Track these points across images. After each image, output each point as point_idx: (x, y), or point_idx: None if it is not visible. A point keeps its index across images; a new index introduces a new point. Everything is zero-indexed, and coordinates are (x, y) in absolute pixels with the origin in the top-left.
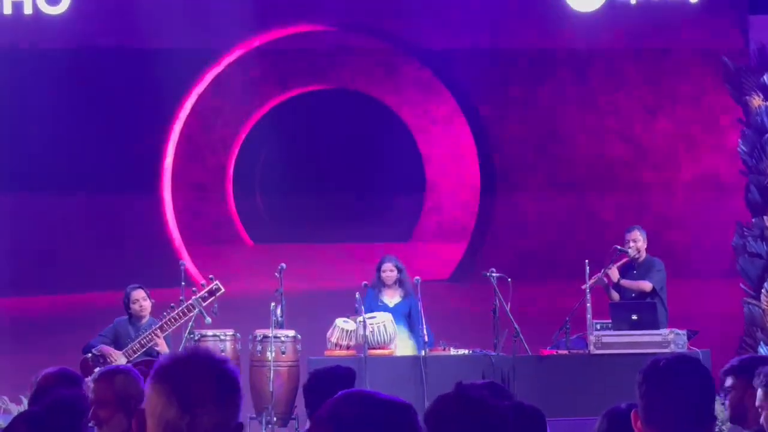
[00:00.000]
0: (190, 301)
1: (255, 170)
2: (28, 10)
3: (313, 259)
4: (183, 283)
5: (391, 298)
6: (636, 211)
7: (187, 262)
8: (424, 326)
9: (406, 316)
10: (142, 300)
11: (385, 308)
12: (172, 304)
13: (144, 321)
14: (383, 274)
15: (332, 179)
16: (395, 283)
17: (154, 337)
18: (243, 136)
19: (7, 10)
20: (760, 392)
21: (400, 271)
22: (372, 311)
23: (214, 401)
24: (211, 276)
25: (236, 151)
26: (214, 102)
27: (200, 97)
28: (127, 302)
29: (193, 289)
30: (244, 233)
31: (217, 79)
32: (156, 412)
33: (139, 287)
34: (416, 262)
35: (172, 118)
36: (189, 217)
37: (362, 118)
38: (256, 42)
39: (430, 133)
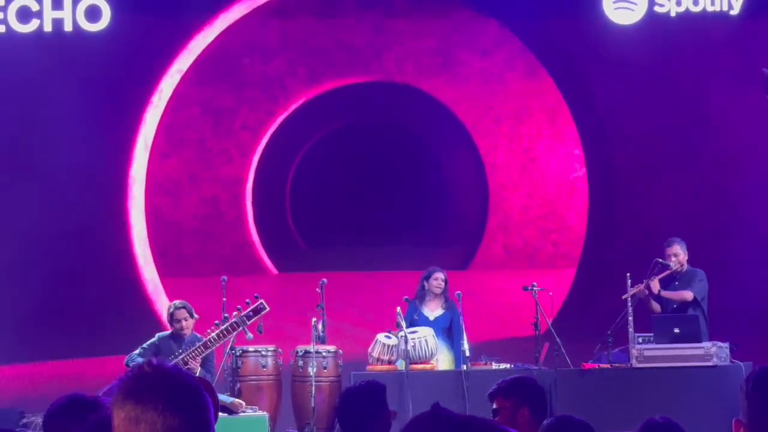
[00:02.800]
0: (234, 320)
1: (282, 182)
2: (68, 27)
3: (352, 291)
4: (224, 299)
5: (433, 310)
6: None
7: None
8: (465, 341)
9: (446, 329)
10: (183, 321)
11: (425, 321)
12: (216, 322)
13: (186, 338)
14: (434, 282)
15: (375, 193)
16: (441, 294)
17: (196, 356)
18: (264, 140)
19: (48, 27)
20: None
21: (446, 282)
22: (412, 324)
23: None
24: (256, 294)
25: (256, 160)
26: (226, 98)
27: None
28: (170, 320)
29: (238, 306)
30: (266, 260)
31: (228, 66)
32: None
33: (182, 307)
34: (480, 297)
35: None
36: (199, 240)
37: (411, 117)
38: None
39: (495, 136)
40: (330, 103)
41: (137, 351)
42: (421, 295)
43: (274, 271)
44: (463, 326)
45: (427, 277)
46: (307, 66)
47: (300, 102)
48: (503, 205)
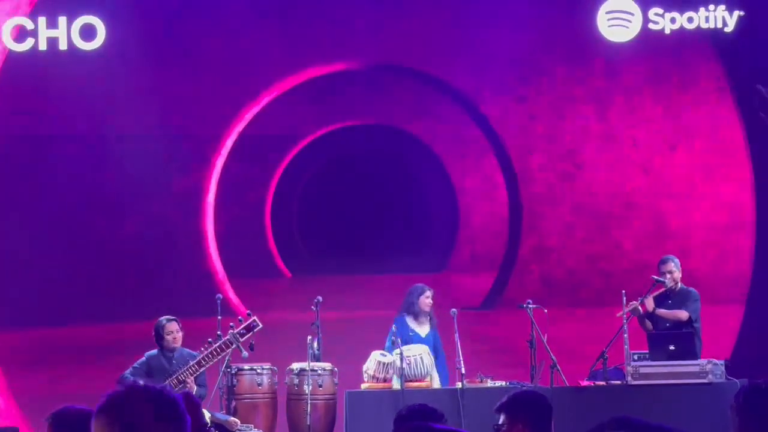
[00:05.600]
0: (227, 337)
1: (292, 204)
2: (63, 46)
3: (350, 290)
4: (219, 317)
5: (422, 328)
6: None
7: (228, 293)
8: (461, 358)
9: (433, 347)
10: (176, 332)
11: (418, 338)
12: (209, 339)
13: (175, 352)
14: (426, 301)
15: (374, 208)
16: (429, 312)
17: (191, 374)
18: (280, 171)
19: (43, 46)
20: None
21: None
22: (406, 341)
23: (153, 422)
24: (248, 312)
25: (274, 186)
26: (252, 140)
27: (240, 135)
28: (160, 333)
29: (231, 324)
30: (282, 265)
31: (256, 117)
32: None
33: (173, 319)
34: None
35: (214, 155)
36: (229, 250)
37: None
38: (294, 80)
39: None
40: (314, 95)
41: (128, 371)
42: (410, 311)
43: (288, 274)
44: (458, 343)
45: (419, 295)
46: (284, 47)
47: (275, 94)
48: (539, 225)
